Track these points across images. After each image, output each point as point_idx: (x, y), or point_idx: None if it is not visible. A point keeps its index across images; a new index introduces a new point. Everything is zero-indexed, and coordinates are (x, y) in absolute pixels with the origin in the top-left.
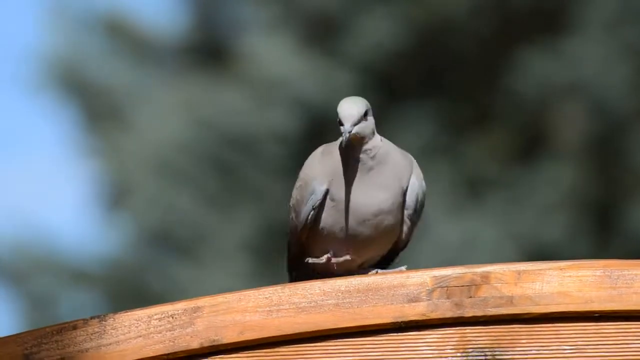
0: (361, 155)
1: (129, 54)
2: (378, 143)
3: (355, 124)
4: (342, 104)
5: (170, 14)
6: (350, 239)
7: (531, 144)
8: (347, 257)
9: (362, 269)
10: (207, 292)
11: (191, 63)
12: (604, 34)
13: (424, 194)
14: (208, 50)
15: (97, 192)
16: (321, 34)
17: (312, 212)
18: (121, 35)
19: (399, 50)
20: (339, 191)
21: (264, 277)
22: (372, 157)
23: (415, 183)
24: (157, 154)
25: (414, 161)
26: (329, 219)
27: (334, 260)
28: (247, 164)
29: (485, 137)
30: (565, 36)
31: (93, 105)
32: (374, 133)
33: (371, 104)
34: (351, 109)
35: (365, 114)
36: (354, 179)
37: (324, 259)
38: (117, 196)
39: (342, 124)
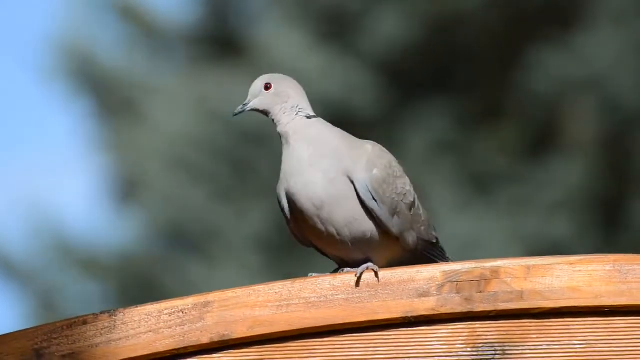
0: (278, 129)
1: (144, 46)
2: (290, 115)
3: (254, 98)
4: None
5: (186, 6)
6: (310, 229)
7: (541, 140)
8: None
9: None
10: (218, 286)
11: (205, 55)
12: (616, 29)
13: (385, 182)
14: (222, 42)
15: (110, 185)
16: (335, 28)
17: (283, 213)
18: (135, 28)
19: (411, 45)
20: (288, 181)
21: (275, 271)
22: (286, 124)
23: (360, 172)
24: (169, 147)
25: (371, 150)
26: (295, 219)
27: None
28: (259, 158)
29: (495, 132)
30: (576, 32)
31: (107, 97)
32: (286, 102)
33: (384, 98)
34: (252, 86)
35: (267, 87)
36: (291, 165)
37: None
38: (129, 189)
39: None
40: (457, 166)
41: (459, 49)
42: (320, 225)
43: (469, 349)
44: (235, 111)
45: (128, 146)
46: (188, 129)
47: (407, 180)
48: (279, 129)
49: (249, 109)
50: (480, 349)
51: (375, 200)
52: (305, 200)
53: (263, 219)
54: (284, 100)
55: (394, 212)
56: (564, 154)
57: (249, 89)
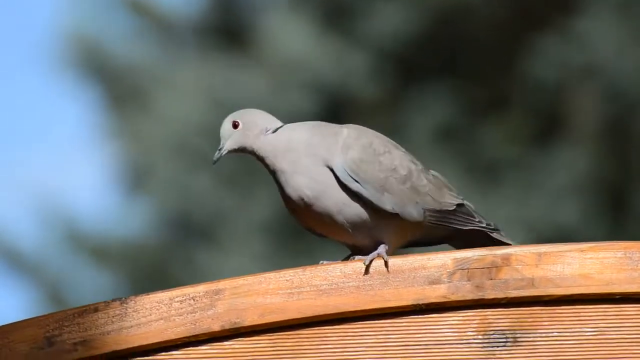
0: (259, 159)
1: (150, 36)
2: (262, 139)
3: (226, 140)
4: None
5: None
6: (313, 223)
7: (546, 127)
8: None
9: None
10: (227, 274)
11: (211, 44)
12: (619, 16)
13: (363, 162)
14: (229, 32)
15: (119, 174)
16: (340, 17)
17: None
18: (142, 17)
19: (415, 33)
20: (282, 191)
21: (283, 259)
22: (261, 150)
23: (336, 157)
24: (177, 136)
25: (346, 133)
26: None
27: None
28: None
29: (500, 120)
30: (579, 19)
31: (115, 87)
32: (257, 134)
33: (387, 87)
34: (221, 130)
35: (235, 126)
36: (279, 180)
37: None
38: (138, 178)
39: None
40: (462, 154)
41: (464, 37)
42: (318, 218)
43: (480, 336)
44: (214, 159)
45: (136, 135)
46: (195, 118)
47: (396, 154)
48: (259, 156)
49: (225, 152)
50: (491, 336)
51: (358, 182)
52: (299, 201)
53: (271, 206)
54: (255, 133)
55: (383, 189)
56: (569, 141)
57: (255, 78)
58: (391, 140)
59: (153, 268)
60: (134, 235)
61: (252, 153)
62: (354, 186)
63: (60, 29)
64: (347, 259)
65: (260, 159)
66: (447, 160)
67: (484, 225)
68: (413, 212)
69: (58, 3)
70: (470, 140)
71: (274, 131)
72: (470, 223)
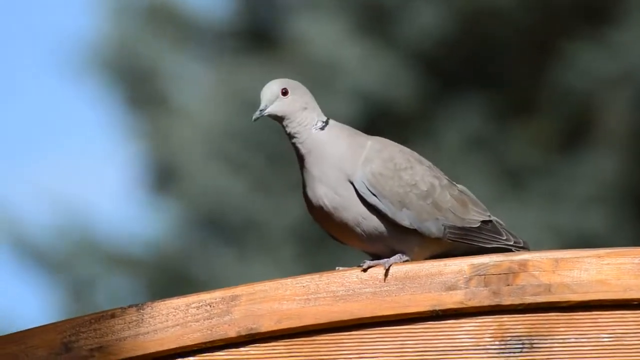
0: (293, 141)
1: (177, 38)
2: (309, 129)
3: (271, 103)
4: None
5: None
6: (330, 228)
7: (575, 134)
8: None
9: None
10: (249, 279)
11: (241, 47)
12: None
13: (383, 176)
14: (258, 34)
15: (142, 178)
16: (371, 20)
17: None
18: (169, 19)
19: (447, 38)
20: (304, 191)
21: (306, 265)
22: (302, 142)
23: (357, 170)
24: (204, 139)
25: (370, 145)
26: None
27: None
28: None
29: (529, 127)
30: (610, 27)
31: (142, 90)
32: (303, 110)
33: (419, 91)
34: (266, 89)
35: (285, 93)
36: (305, 177)
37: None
38: (162, 182)
39: None
40: (491, 160)
41: (494, 43)
42: (337, 227)
43: (496, 343)
44: (254, 117)
45: (162, 138)
46: (223, 121)
47: (418, 169)
48: (294, 141)
49: (266, 113)
50: (508, 342)
51: (376, 196)
52: (318, 209)
53: (298, 211)
54: (302, 108)
55: (401, 205)
56: (597, 149)
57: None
58: (415, 154)
59: (176, 273)
60: (156, 238)
61: (286, 127)
62: (372, 200)
63: (87, 31)
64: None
65: (298, 148)
66: (476, 167)
67: (511, 243)
68: (432, 228)
69: (86, 6)
70: (500, 148)
71: (322, 127)
72: (496, 241)
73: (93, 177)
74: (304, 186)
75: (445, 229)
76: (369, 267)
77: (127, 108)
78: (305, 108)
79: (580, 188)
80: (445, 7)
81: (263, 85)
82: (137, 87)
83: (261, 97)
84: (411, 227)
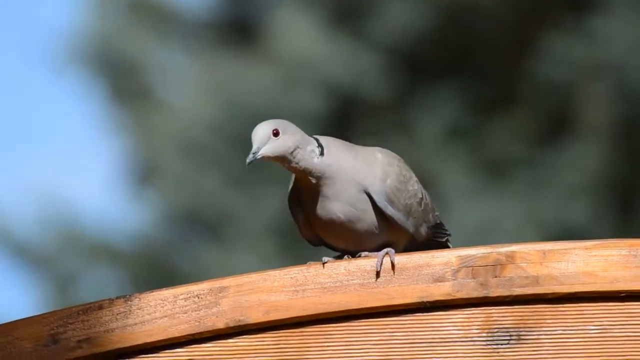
0: (297, 174)
1: (158, 32)
2: (311, 161)
3: (263, 145)
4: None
5: None
6: (332, 237)
7: (556, 125)
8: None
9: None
10: (232, 272)
11: (220, 41)
12: (630, 14)
13: (398, 190)
14: (238, 28)
15: (125, 171)
16: (348, 14)
17: (296, 224)
18: (150, 13)
19: (424, 31)
20: (307, 206)
21: (289, 258)
22: (309, 174)
23: (376, 184)
24: (185, 133)
25: (381, 158)
26: (310, 225)
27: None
28: None
29: (509, 118)
30: (590, 16)
31: (121, 83)
32: (297, 148)
33: (396, 85)
34: (257, 132)
35: (276, 134)
36: (311, 196)
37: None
38: (144, 175)
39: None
40: (471, 152)
41: (473, 35)
42: (339, 234)
43: (484, 334)
44: (247, 160)
45: (143, 132)
46: (202, 115)
47: (413, 176)
48: (299, 175)
49: (259, 156)
50: (495, 334)
51: (393, 208)
52: (327, 221)
53: (277, 205)
54: (295, 146)
55: (408, 214)
56: (579, 139)
57: (264, 75)
58: (404, 162)
59: (158, 265)
60: (139, 232)
61: (286, 165)
62: (389, 211)
63: (68, 24)
64: (340, 257)
65: (299, 176)
66: (456, 159)
67: (449, 233)
68: (422, 231)
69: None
70: (480, 139)
71: (321, 153)
72: (445, 234)
73: (77, 170)
74: (311, 207)
75: (428, 229)
76: (382, 260)
77: (110, 101)
78: (298, 146)
79: (562, 179)
80: (422, 0)
81: (244, 80)
82: (119, 80)
83: (252, 139)
84: (411, 232)
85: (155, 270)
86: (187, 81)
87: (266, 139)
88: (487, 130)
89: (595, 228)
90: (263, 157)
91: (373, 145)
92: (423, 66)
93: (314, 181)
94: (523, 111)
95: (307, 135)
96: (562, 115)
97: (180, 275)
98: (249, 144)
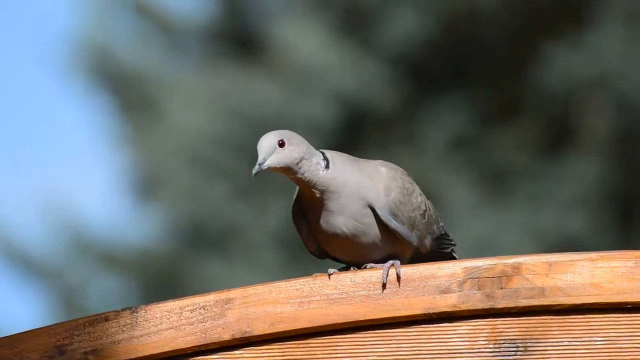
0: (302, 188)
1: (163, 43)
2: (316, 174)
3: (269, 155)
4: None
5: (203, 3)
6: (336, 251)
7: (557, 136)
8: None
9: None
10: (237, 283)
11: (223, 52)
12: (627, 28)
13: (401, 203)
14: (241, 39)
15: (130, 182)
16: (353, 23)
17: (300, 237)
18: (153, 24)
19: (429, 41)
20: (311, 219)
21: (294, 270)
22: (313, 186)
23: (380, 198)
24: (188, 144)
25: (385, 172)
26: (314, 238)
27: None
28: None
29: (511, 129)
30: (591, 29)
31: (126, 94)
32: (302, 159)
33: (401, 94)
34: (262, 142)
35: (282, 144)
36: (315, 208)
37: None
38: (149, 186)
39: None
40: (474, 163)
41: (476, 45)
42: (343, 247)
43: (490, 346)
44: (253, 171)
45: (148, 143)
46: (207, 126)
47: (416, 189)
48: (303, 187)
49: (265, 167)
50: (502, 346)
51: (397, 222)
52: (331, 234)
53: (282, 216)
54: (300, 157)
55: (412, 227)
56: (580, 151)
57: (268, 86)
58: (406, 172)
59: (164, 277)
60: (145, 243)
61: (292, 177)
62: (392, 224)
63: (72, 35)
64: (346, 268)
65: (304, 188)
66: (459, 169)
67: (454, 243)
68: (427, 243)
69: (70, 10)
70: (482, 149)
71: (326, 166)
72: (450, 245)
73: (84, 181)
74: (315, 220)
75: (432, 241)
76: (387, 272)
77: (114, 112)
78: (303, 157)
79: (564, 190)
80: (425, 10)
81: (248, 91)
82: (123, 92)
83: (258, 150)
84: (415, 244)
85: (162, 281)
86: (190, 93)
87: (272, 150)
88: (490, 141)
89: (596, 239)
90: (269, 168)
91: (377, 157)
92: (428, 76)
93: (318, 194)
94: (525, 122)
95: (312, 147)
96: (562, 126)
97: (186, 286)
98: (254, 155)
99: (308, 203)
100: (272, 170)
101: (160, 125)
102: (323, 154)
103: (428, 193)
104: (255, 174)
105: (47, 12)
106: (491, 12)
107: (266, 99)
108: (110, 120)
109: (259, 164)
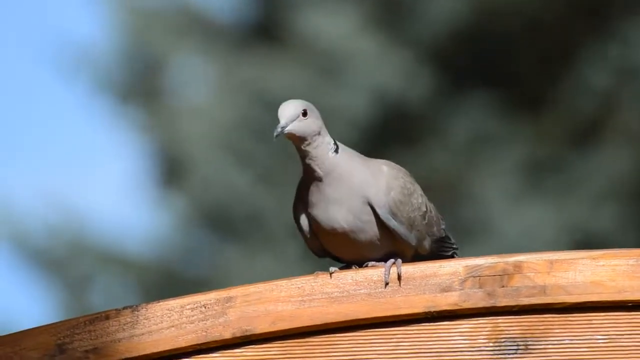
0: (308, 162)
1: (185, 30)
2: (325, 153)
3: (291, 122)
4: (281, 105)
5: None
6: (336, 248)
7: (586, 131)
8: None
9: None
10: (258, 274)
11: (251, 39)
12: None
13: (401, 203)
14: (267, 26)
15: (144, 174)
16: (384, 13)
17: (301, 235)
18: (177, 11)
19: (461, 33)
20: (311, 209)
21: (314, 260)
22: (319, 165)
23: (380, 197)
24: (212, 132)
25: (387, 171)
26: (314, 235)
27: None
28: None
29: (541, 123)
30: (623, 22)
31: (146, 82)
32: (318, 134)
33: (431, 87)
34: (286, 108)
35: (305, 114)
36: (315, 197)
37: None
38: (169, 176)
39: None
40: (503, 157)
41: (508, 39)
42: (342, 245)
43: (491, 344)
44: (275, 133)
45: (169, 132)
46: (230, 113)
47: (417, 189)
48: (310, 162)
49: (287, 131)
50: (502, 344)
51: (396, 221)
52: (329, 229)
53: None
54: (317, 131)
55: (411, 227)
56: (609, 145)
57: (294, 74)
58: (407, 172)
59: (174, 272)
60: (156, 237)
61: (301, 147)
62: (391, 224)
63: (91, 23)
64: (347, 267)
65: (310, 163)
66: (486, 164)
67: (456, 247)
68: (426, 245)
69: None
70: (511, 144)
71: (336, 150)
72: (451, 248)
73: (91, 176)
74: (310, 202)
75: (432, 243)
76: (389, 271)
77: (129, 103)
78: (320, 133)
79: (592, 185)
80: (460, 1)
81: (273, 78)
82: (143, 80)
83: (280, 114)
84: (414, 245)
85: (171, 277)
86: (213, 80)
87: (295, 117)
88: (519, 136)
89: (624, 235)
90: (290, 133)
91: (404, 151)
92: (460, 69)
93: (321, 175)
94: (555, 117)
95: (324, 127)
96: (592, 121)
97: (198, 281)
98: (275, 143)
99: (309, 189)
100: (289, 136)
101: (182, 114)
102: (336, 142)
103: (455, 189)
104: (277, 136)
105: (64, 5)
106: (526, 4)
107: (292, 86)
108: (123, 112)
109: (282, 127)
